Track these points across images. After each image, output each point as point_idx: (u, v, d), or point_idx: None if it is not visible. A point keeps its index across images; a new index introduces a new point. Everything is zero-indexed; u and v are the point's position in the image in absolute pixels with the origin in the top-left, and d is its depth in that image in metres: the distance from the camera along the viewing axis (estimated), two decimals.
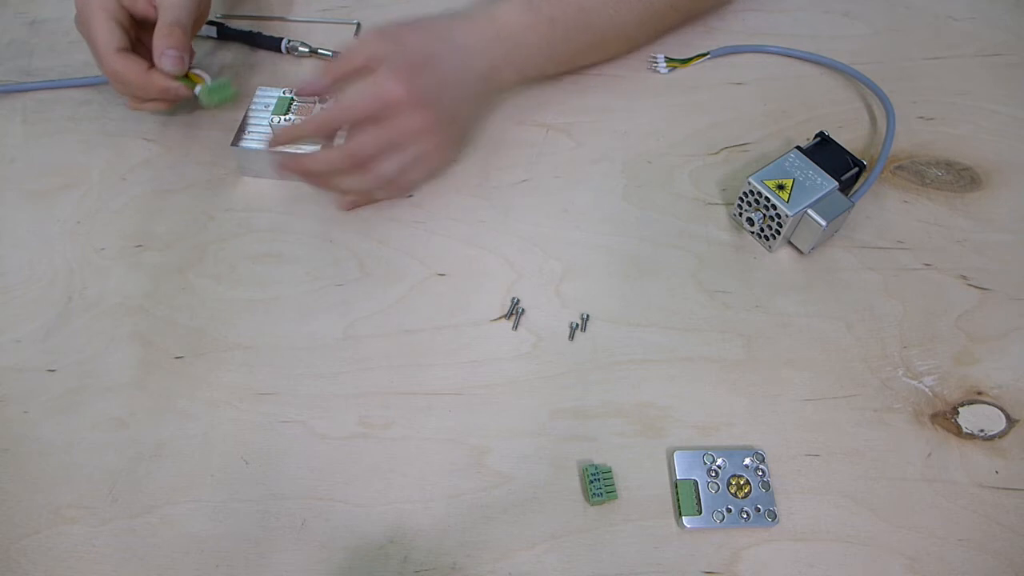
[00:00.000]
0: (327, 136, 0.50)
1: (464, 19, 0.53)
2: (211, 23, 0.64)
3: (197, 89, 0.53)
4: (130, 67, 0.51)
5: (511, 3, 0.54)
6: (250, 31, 0.64)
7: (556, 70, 0.58)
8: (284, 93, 0.54)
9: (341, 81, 0.50)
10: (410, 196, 0.55)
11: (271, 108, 0.53)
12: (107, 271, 0.52)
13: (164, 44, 0.51)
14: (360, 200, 0.54)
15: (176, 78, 0.53)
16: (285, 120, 0.53)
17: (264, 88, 0.54)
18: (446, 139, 0.53)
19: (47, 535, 0.43)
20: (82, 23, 0.53)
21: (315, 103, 0.53)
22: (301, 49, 0.63)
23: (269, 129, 0.54)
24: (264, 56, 0.64)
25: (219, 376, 0.48)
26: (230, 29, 0.64)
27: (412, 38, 0.51)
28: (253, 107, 0.54)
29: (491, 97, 0.56)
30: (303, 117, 0.52)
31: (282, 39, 0.63)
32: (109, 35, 0.51)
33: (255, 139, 0.54)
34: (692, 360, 0.48)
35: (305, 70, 0.63)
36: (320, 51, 0.63)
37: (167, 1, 0.53)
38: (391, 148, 0.50)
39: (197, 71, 0.54)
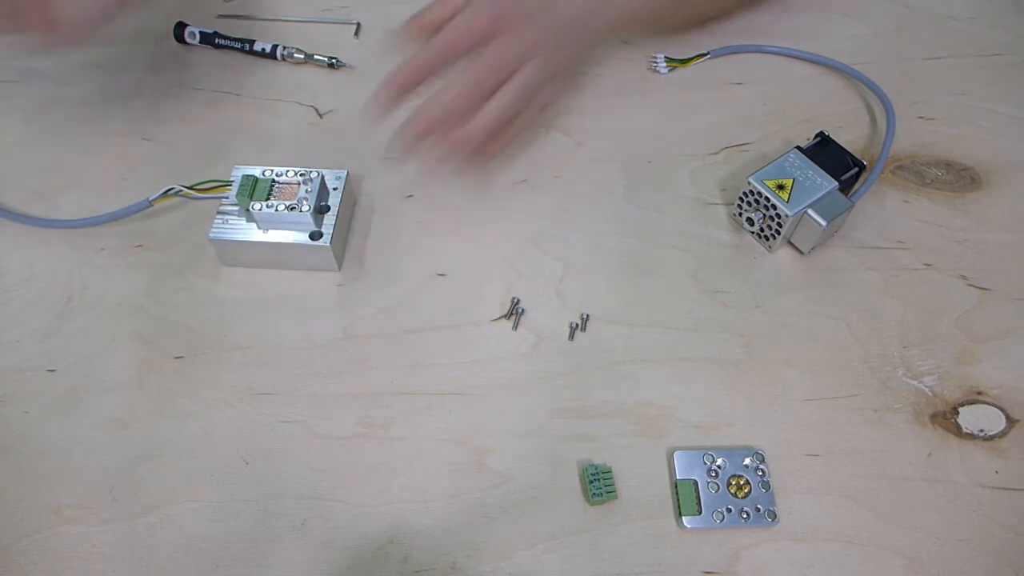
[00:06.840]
0: (442, 67, 0.47)
1: None
2: (205, 33, 0.63)
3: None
4: None
5: None
6: (242, 42, 0.63)
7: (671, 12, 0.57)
8: (263, 174, 0.48)
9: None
10: (410, 196, 0.55)
11: (249, 192, 0.47)
12: (107, 271, 0.52)
13: None
14: (504, 141, 0.50)
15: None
16: (267, 206, 0.47)
17: (240, 167, 0.49)
18: (559, 45, 0.49)
19: (47, 535, 0.43)
20: None
21: (299, 184, 0.48)
22: (296, 56, 0.62)
23: (249, 215, 0.48)
24: (259, 62, 0.63)
25: (219, 376, 0.48)
26: (224, 40, 0.63)
27: None
28: (228, 192, 0.49)
29: (595, 29, 0.53)
30: (286, 202, 0.47)
31: (277, 46, 0.62)
32: None
33: (237, 228, 0.49)
34: (692, 360, 0.48)
35: (303, 76, 0.63)
36: (316, 56, 0.62)
37: None
38: (516, 60, 0.48)
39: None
